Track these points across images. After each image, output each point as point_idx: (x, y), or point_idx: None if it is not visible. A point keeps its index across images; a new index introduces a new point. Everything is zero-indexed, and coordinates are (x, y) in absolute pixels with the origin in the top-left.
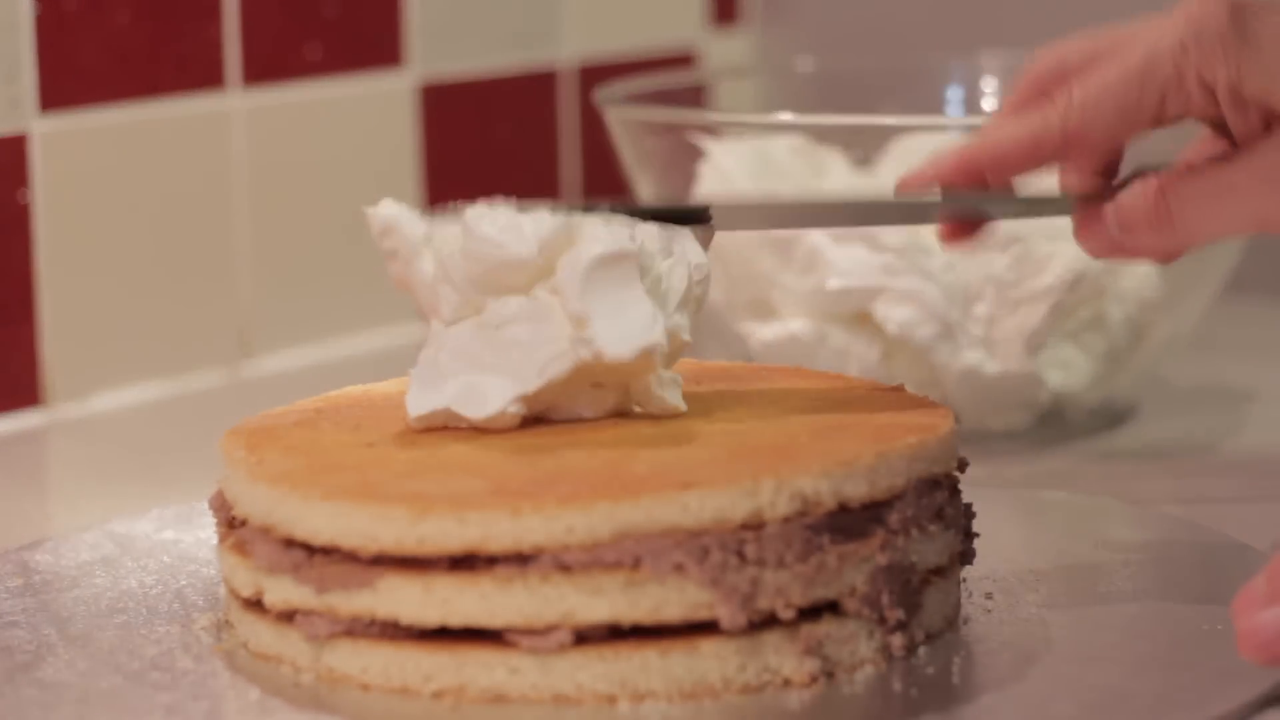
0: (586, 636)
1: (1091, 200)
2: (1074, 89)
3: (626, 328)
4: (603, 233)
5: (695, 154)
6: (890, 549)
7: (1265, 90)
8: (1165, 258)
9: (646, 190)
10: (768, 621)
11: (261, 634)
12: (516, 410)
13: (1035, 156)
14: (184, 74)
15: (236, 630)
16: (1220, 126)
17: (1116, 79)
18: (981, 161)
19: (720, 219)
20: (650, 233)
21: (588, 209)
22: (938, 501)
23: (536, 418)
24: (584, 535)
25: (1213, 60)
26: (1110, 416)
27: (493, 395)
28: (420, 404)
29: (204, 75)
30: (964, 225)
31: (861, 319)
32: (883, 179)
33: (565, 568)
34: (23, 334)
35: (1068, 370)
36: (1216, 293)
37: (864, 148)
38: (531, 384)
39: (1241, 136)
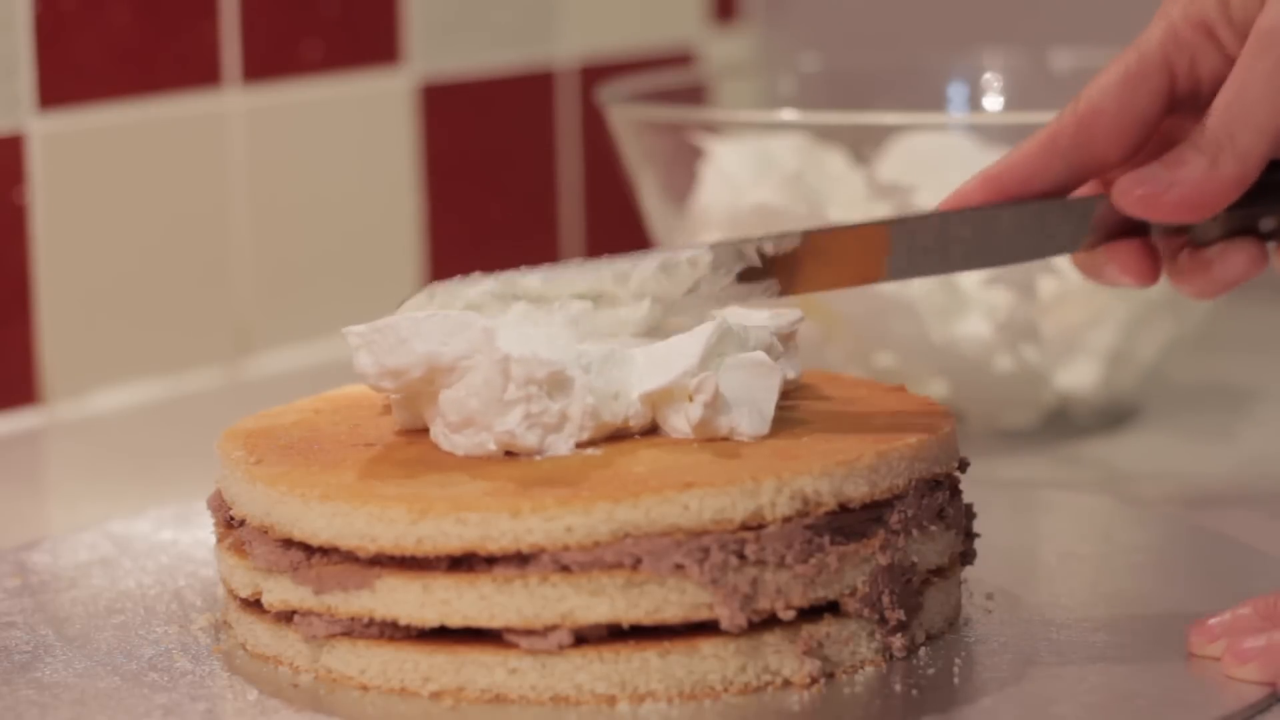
0: (586, 637)
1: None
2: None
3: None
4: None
5: (697, 153)
6: (891, 549)
7: (1249, 3)
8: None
9: (649, 189)
10: (768, 622)
11: (260, 634)
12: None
13: (1053, 152)
14: (182, 72)
15: (235, 631)
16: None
17: (1114, 62)
18: (1003, 177)
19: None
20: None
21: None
22: (938, 501)
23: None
24: (584, 535)
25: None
26: (1114, 416)
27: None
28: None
29: (202, 74)
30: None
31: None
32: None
33: (565, 568)
34: (20, 333)
35: (1073, 369)
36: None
37: (866, 145)
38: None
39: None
